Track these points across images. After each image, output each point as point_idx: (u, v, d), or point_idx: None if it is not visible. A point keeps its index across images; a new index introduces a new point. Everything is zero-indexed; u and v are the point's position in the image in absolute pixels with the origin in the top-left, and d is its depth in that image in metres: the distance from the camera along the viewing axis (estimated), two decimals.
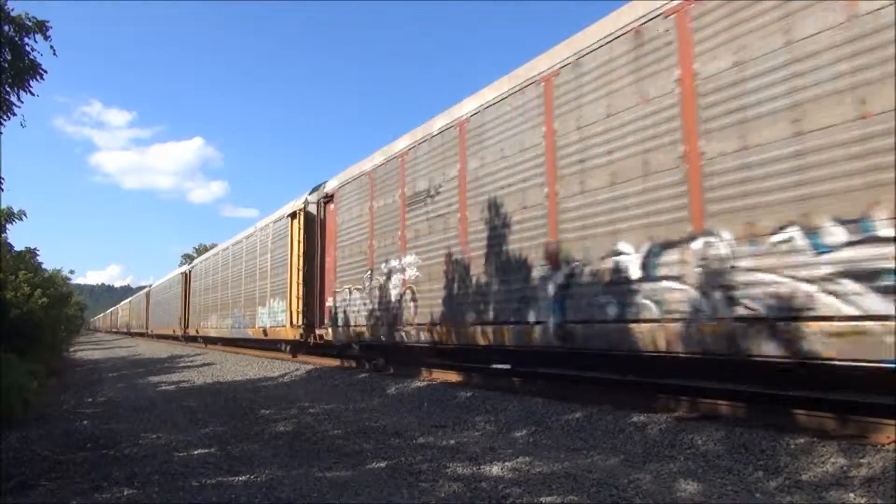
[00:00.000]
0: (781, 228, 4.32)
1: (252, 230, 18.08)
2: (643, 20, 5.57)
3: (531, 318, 6.65)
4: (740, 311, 4.58)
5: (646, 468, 4.32)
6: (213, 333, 22.46)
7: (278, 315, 14.73)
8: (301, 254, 13.17)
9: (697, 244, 4.94)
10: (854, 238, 3.92)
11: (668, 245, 5.19)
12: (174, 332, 30.14)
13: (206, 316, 23.50)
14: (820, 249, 4.09)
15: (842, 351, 3.99)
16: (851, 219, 3.94)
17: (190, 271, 27.77)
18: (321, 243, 12.71)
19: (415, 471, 4.42)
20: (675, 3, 5.24)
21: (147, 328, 40.90)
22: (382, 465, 4.66)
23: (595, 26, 6.21)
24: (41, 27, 5.91)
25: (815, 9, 4.19)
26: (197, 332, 25.01)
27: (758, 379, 5.49)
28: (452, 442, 5.42)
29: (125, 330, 57.39)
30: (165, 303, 34.02)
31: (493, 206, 7.36)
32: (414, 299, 9.01)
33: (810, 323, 4.14)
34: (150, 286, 42.47)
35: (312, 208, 13.17)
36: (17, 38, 5.84)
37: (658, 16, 5.41)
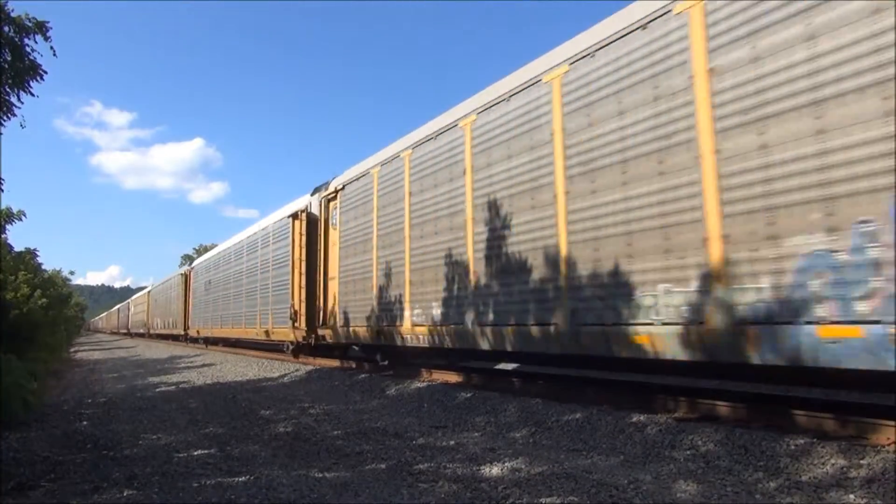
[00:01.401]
0: None
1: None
2: None
3: None
4: None
5: (646, 469, 4.32)
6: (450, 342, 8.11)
7: None
8: None
9: None
10: None
11: None
12: (257, 334, 16.78)
13: (425, 298, 8.75)
14: None
15: None
16: None
17: (334, 204, 12.22)
18: None
19: (414, 471, 4.42)
20: None
21: (186, 328, 27.61)
22: (382, 465, 4.66)
23: None
24: (41, 28, 5.92)
25: None
26: (354, 333, 10.91)
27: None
28: (452, 443, 5.42)
29: (142, 331, 42.64)
30: (224, 285, 20.67)
31: None
32: None
33: None
34: (192, 266, 28.55)
35: None
36: (17, 39, 5.84)
37: None
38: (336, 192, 12.16)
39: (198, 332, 24.90)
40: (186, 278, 27.86)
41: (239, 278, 19.06)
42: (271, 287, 15.69)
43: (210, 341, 23.99)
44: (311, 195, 13.67)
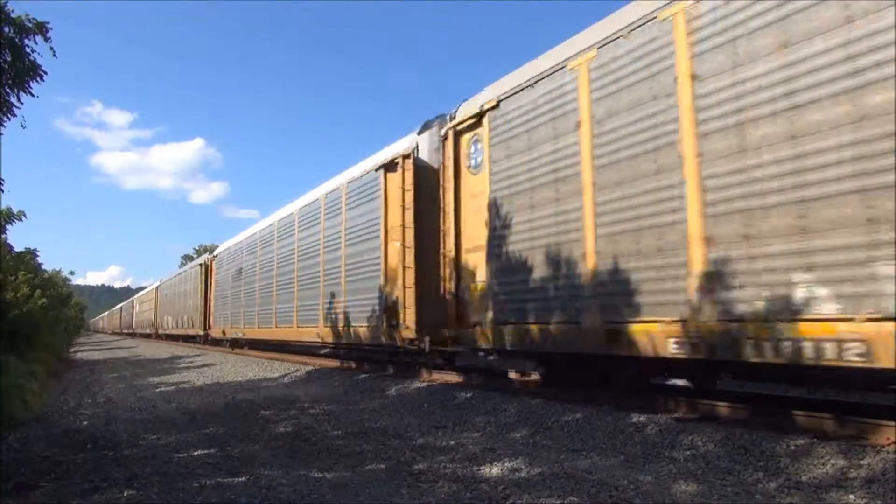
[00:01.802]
0: None
1: None
2: None
3: None
4: None
5: (646, 469, 4.32)
6: None
7: None
8: None
9: None
10: None
11: None
12: (320, 335, 12.43)
13: None
14: None
15: None
16: None
17: (475, 136, 8.14)
18: None
19: (414, 471, 4.42)
20: None
21: (206, 327, 23.02)
22: (382, 465, 4.66)
23: None
24: (41, 28, 5.92)
25: None
26: (538, 333, 6.76)
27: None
28: (452, 443, 5.41)
29: (149, 332, 38.79)
30: (263, 273, 16.25)
31: None
32: None
33: None
34: (215, 253, 23.58)
35: None
36: (17, 40, 5.84)
37: None
38: (480, 115, 7.89)
39: (223, 332, 20.29)
40: (207, 268, 23.18)
41: (287, 262, 14.38)
42: (344, 270, 11.32)
43: (238, 343, 19.35)
44: (419, 133, 9.76)
